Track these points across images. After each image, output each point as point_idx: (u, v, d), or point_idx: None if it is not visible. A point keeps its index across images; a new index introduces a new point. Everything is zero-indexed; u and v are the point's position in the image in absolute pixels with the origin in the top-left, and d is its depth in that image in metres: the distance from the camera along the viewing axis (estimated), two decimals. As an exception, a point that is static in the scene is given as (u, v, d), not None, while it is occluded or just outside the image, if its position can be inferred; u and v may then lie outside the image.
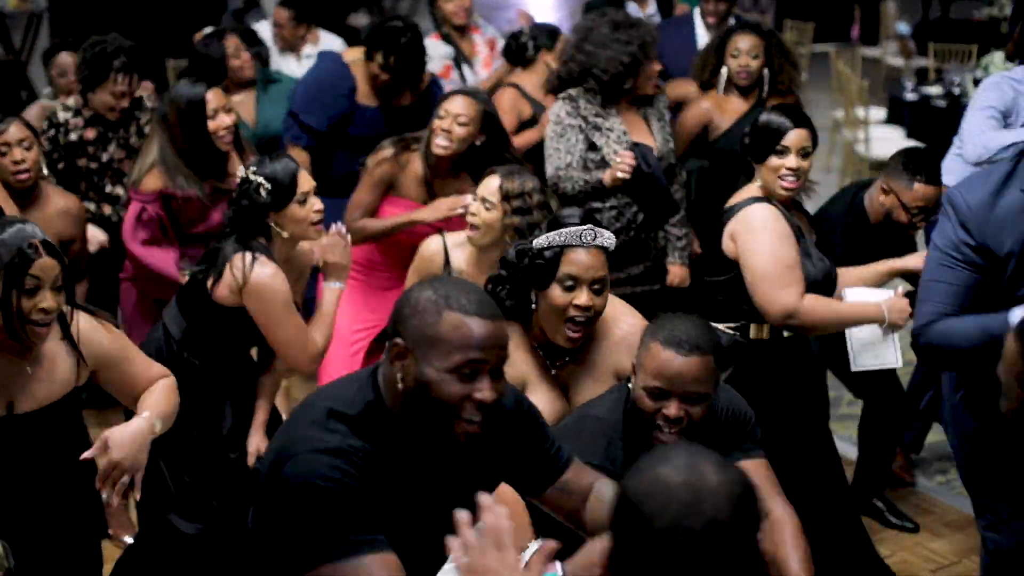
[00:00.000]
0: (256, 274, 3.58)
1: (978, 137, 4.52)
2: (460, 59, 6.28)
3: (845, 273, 3.97)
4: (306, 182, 3.73)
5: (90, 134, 4.94)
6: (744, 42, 5.16)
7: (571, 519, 2.58)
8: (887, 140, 8.92)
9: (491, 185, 3.87)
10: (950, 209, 2.97)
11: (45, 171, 4.40)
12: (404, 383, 2.26)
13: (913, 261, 3.98)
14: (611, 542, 1.70)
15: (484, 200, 3.86)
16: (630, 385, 2.85)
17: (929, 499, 4.92)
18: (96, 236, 4.86)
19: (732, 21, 6.11)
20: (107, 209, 5.00)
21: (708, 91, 5.30)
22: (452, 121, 4.37)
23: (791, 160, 3.70)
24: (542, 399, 3.07)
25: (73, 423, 3.10)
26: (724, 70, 5.18)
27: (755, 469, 2.91)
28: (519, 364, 3.10)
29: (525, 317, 3.16)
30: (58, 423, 2.99)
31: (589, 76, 4.60)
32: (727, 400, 2.97)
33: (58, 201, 4.39)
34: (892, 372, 4.41)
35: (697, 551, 1.60)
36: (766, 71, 5.20)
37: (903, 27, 12.38)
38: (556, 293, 3.06)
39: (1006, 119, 4.71)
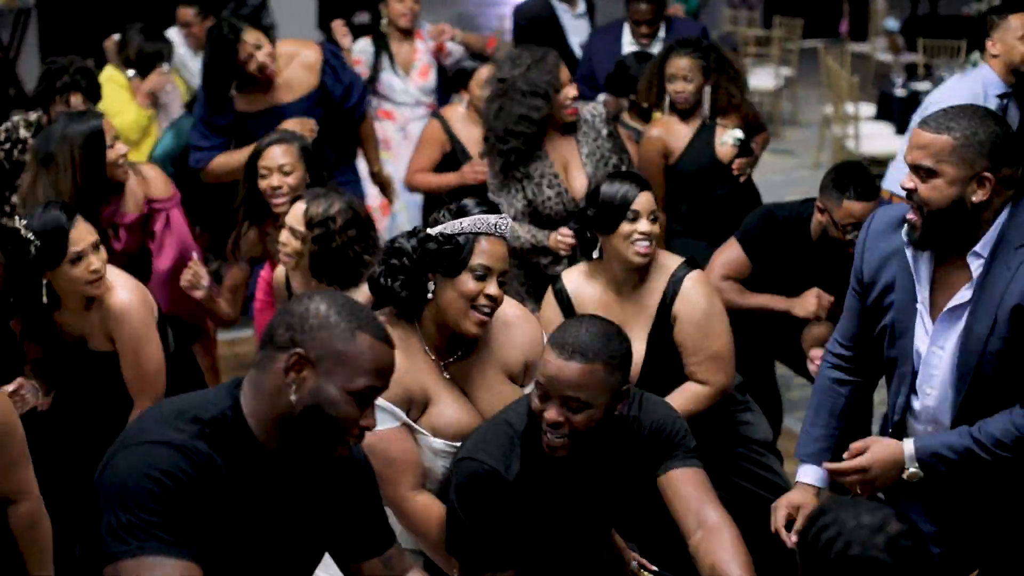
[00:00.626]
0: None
1: None
2: (381, 59, 6.25)
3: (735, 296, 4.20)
4: (81, 240, 3.55)
5: None
6: (678, 66, 4.98)
7: None
8: (877, 136, 8.95)
9: (297, 212, 3.82)
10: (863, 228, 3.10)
11: None
12: (298, 395, 2.20)
13: (798, 307, 4.17)
14: None
15: (292, 230, 3.82)
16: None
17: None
18: None
19: (662, 34, 6.07)
20: None
21: (653, 116, 5.22)
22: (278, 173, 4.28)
23: (643, 224, 3.66)
24: (451, 411, 3.01)
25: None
26: (667, 95, 5.05)
27: (690, 477, 2.88)
28: (417, 372, 3.00)
29: (415, 311, 3.04)
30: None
31: (510, 135, 4.58)
32: (654, 414, 2.93)
33: None
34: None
35: None
36: (707, 89, 5.06)
37: (892, 23, 12.38)
38: (466, 280, 2.95)
39: None
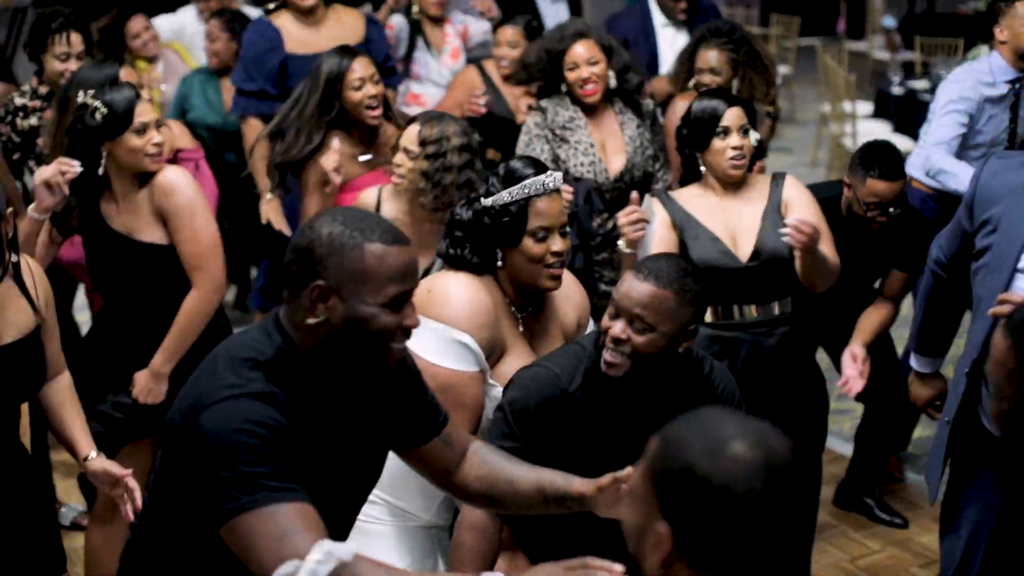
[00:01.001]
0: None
1: (934, 154, 4.67)
2: (415, 44, 6.29)
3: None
4: (146, 113, 3.67)
5: (49, 114, 4.84)
6: (707, 59, 4.87)
7: (444, 475, 2.57)
8: (874, 134, 8.90)
9: (411, 133, 3.90)
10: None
11: None
12: (331, 323, 2.21)
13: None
14: (671, 527, 1.68)
15: (406, 150, 3.89)
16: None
17: (918, 494, 4.92)
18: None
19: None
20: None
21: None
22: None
23: (734, 139, 3.71)
24: (520, 364, 3.04)
25: (34, 370, 3.07)
26: (693, 81, 4.94)
27: None
28: (502, 323, 3.07)
29: (491, 272, 3.11)
30: (17, 364, 2.98)
31: (532, 71, 4.74)
32: (729, 382, 3.02)
33: None
34: (896, 376, 4.43)
35: (777, 513, 1.66)
36: (735, 82, 4.93)
37: (889, 21, 12.38)
38: (530, 245, 3.02)
39: (970, 111, 4.78)
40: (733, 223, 3.72)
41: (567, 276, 3.23)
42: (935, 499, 3.34)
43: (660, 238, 3.66)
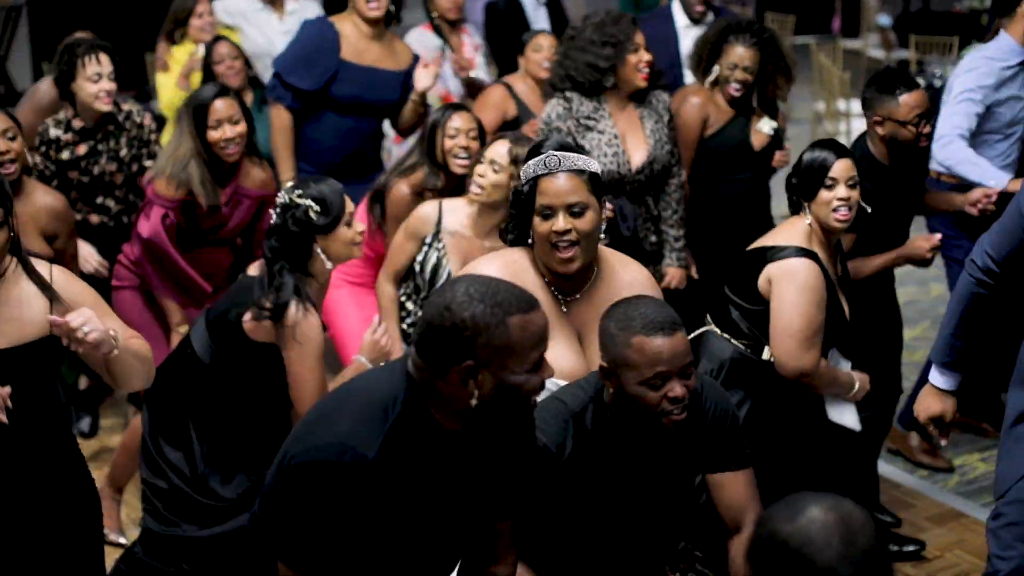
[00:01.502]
0: (306, 325, 3.49)
1: (950, 144, 4.69)
2: (445, 50, 6.28)
3: (858, 265, 4.17)
4: (349, 203, 3.67)
5: (81, 150, 4.87)
6: (740, 55, 4.86)
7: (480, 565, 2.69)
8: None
9: (500, 149, 4.10)
10: None
11: (31, 161, 4.36)
12: (482, 394, 2.29)
13: (916, 245, 4.16)
14: None
15: (492, 162, 4.08)
16: (607, 384, 2.87)
17: (912, 493, 4.93)
18: (90, 257, 4.84)
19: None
20: (94, 218, 4.98)
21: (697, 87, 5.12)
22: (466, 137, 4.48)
23: (841, 191, 3.71)
24: (560, 348, 3.07)
25: (49, 374, 3.03)
26: (716, 70, 4.92)
27: (743, 478, 3.00)
28: (530, 291, 3.10)
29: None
30: (32, 367, 2.94)
31: (569, 80, 4.67)
32: (720, 398, 3.02)
33: (44, 197, 4.27)
34: (894, 392, 4.54)
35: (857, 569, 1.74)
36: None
37: (884, 19, 12.39)
38: (537, 223, 3.11)
39: (986, 100, 4.78)
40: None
41: (639, 269, 3.28)
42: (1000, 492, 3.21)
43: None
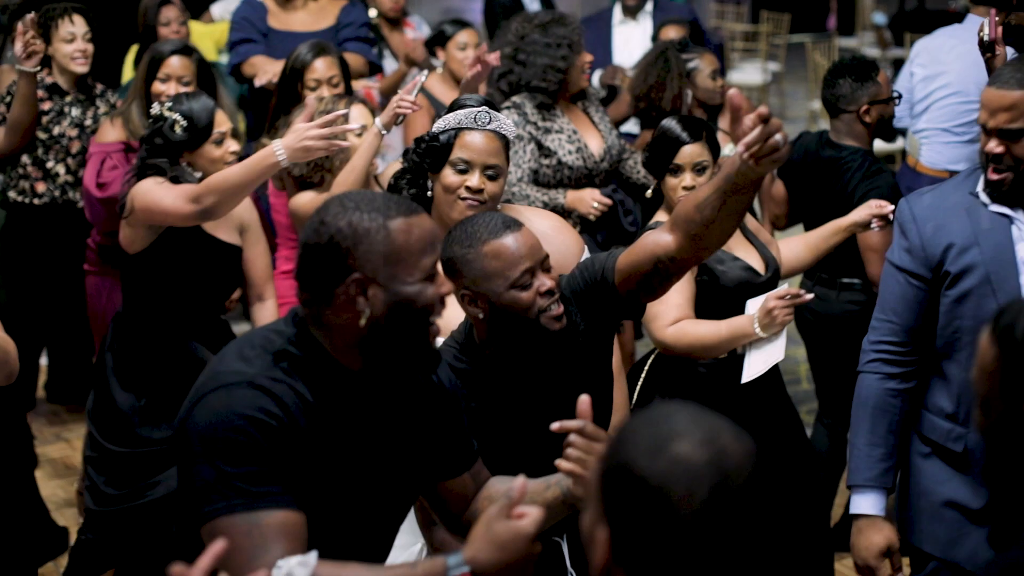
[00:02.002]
0: (138, 187, 3.64)
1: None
2: (382, 51, 6.26)
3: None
4: (223, 121, 3.75)
5: (46, 106, 4.89)
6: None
7: (459, 514, 2.42)
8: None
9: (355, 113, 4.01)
10: (896, 224, 2.99)
11: None
12: (375, 311, 2.08)
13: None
14: (611, 530, 1.51)
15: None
16: (478, 311, 2.68)
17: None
18: None
19: (649, 7, 6.22)
20: (40, 187, 4.95)
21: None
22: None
23: (687, 179, 3.55)
24: (455, 307, 2.90)
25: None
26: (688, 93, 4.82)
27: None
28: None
29: (426, 208, 3.12)
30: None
31: (529, 90, 4.59)
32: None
33: None
34: None
35: (725, 528, 1.47)
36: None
37: (879, 17, 12.36)
38: (448, 174, 3.06)
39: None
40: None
41: (554, 223, 3.20)
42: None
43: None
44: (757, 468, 1.49)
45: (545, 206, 4.39)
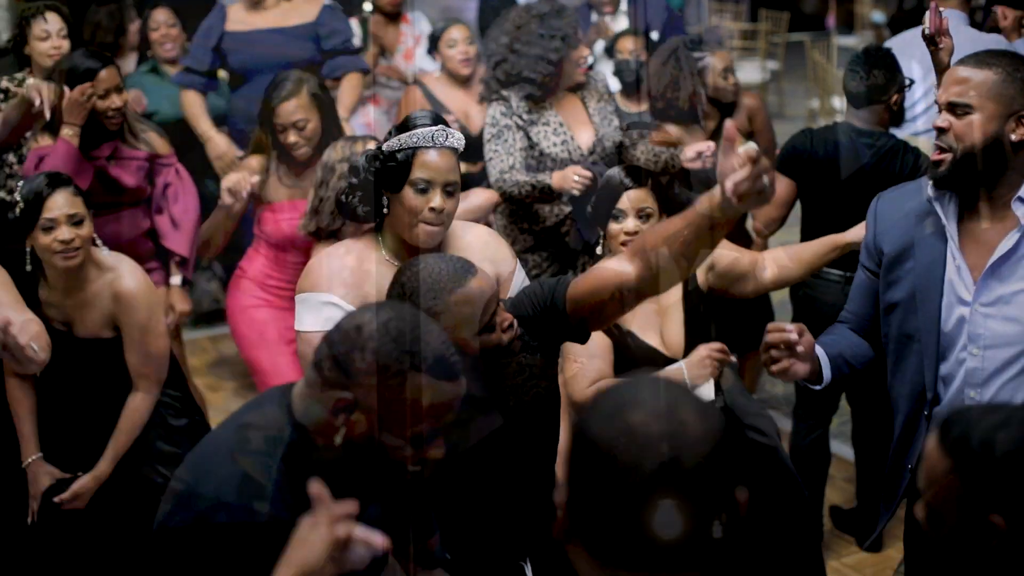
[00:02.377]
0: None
1: None
2: (367, 42, 6.26)
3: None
4: (56, 207, 3.57)
5: None
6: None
7: None
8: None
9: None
10: (869, 216, 3.04)
11: None
12: (353, 435, 2.10)
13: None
14: (569, 494, 1.51)
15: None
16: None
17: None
18: None
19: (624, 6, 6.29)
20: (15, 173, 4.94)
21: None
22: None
23: (629, 224, 3.54)
24: None
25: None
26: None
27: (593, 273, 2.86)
28: (375, 280, 3.02)
29: (378, 224, 3.11)
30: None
31: (521, 80, 4.60)
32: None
33: None
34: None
35: (674, 497, 1.44)
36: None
37: (878, 16, 12.40)
38: (409, 196, 3.01)
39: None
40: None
41: (485, 232, 3.23)
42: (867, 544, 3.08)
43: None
44: (717, 451, 1.46)
45: (533, 188, 4.44)
